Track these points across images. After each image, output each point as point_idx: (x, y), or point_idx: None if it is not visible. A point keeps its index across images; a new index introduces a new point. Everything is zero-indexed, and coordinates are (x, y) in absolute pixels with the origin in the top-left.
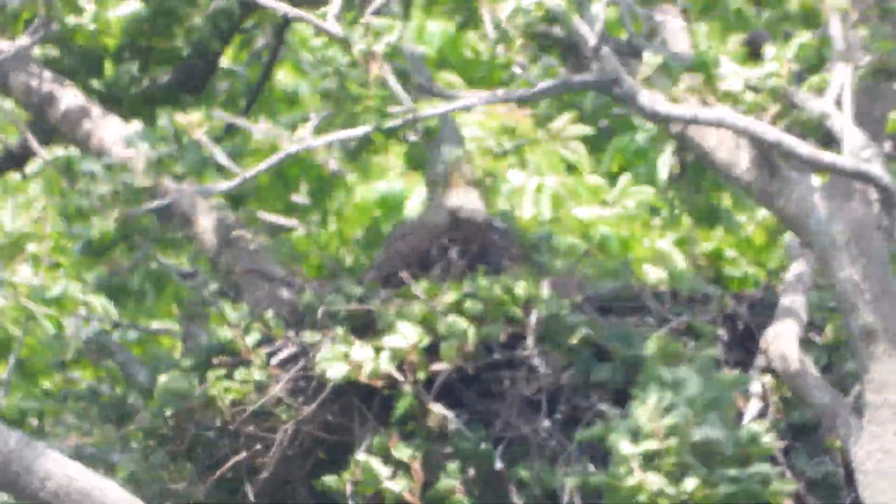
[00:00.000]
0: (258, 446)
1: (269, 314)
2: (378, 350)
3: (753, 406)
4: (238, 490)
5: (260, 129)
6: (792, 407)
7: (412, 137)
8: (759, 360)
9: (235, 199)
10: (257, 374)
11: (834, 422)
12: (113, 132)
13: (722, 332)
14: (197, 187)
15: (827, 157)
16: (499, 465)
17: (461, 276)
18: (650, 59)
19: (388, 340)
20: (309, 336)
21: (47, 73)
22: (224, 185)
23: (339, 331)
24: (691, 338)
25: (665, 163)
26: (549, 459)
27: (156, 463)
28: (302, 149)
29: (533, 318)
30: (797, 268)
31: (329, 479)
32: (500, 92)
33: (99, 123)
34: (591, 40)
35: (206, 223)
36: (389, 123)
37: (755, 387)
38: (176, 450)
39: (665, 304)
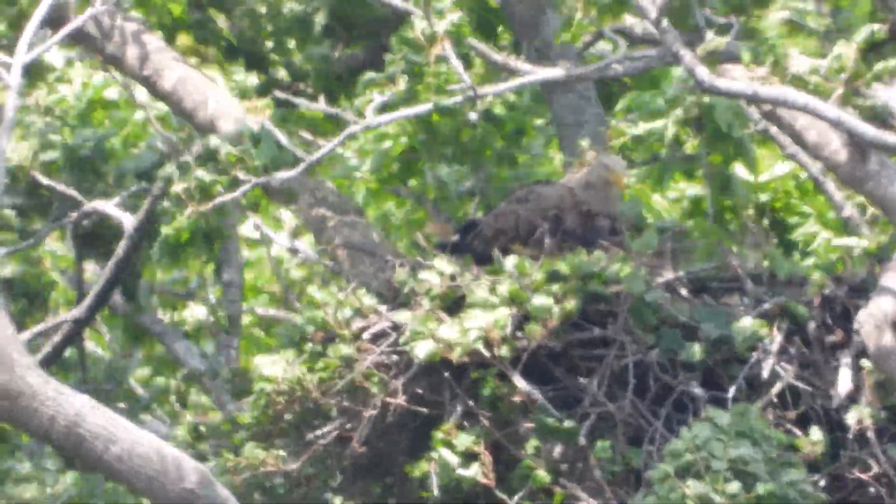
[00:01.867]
0: (350, 421)
1: (363, 290)
2: (465, 329)
3: (844, 386)
4: (333, 464)
5: (320, 107)
6: (886, 390)
7: (473, 116)
8: (856, 342)
9: None
10: (346, 350)
11: None
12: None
13: (818, 314)
14: (264, 178)
15: (892, 138)
16: (582, 441)
17: (553, 254)
18: (712, 39)
19: (475, 318)
20: (399, 313)
21: (158, 44)
22: (286, 173)
23: (428, 306)
24: (785, 320)
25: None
26: (634, 437)
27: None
28: (363, 128)
29: (623, 297)
30: None
31: (413, 468)
32: (564, 68)
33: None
34: (652, 13)
35: (308, 199)
36: (450, 100)
37: (846, 366)
38: (274, 432)
39: (762, 285)
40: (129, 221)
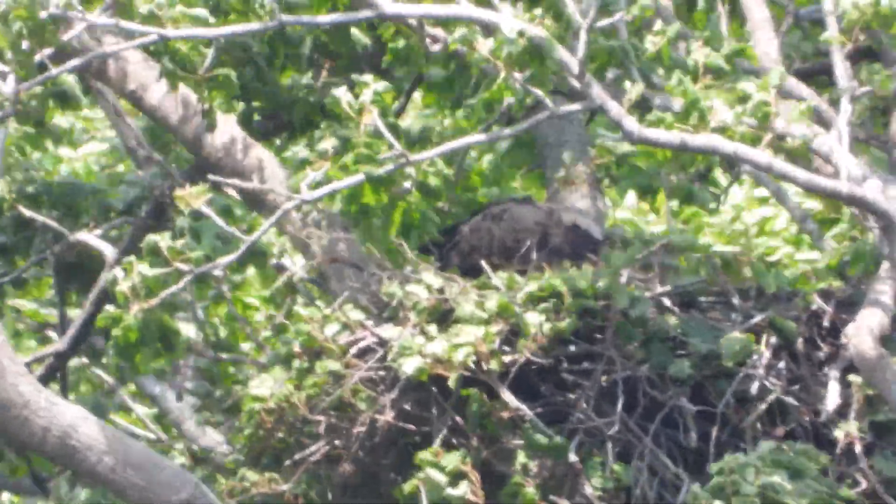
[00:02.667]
0: (338, 439)
1: (349, 305)
2: (454, 345)
3: (832, 401)
4: (323, 483)
5: (255, 186)
6: (876, 405)
7: (408, 186)
8: (844, 356)
9: None
10: (333, 365)
11: None
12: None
13: (805, 329)
14: (207, 266)
15: (823, 181)
16: (572, 457)
17: (541, 269)
18: (634, 88)
19: (464, 334)
20: (387, 327)
21: (141, 58)
22: (227, 258)
23: (416, 320)
24: (773, 334)
25: None
26: (623, 453)
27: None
28: (299, 203)
29: (611, 312)
30: (888, 262)
31: (402, 488)
32: (490, 132)
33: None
34: (575, 68)
35: (294, 215)
36: (382, 169)
37: (834, 381)
38: (265, 448)
39: (749, 300)
40: (111, 253)
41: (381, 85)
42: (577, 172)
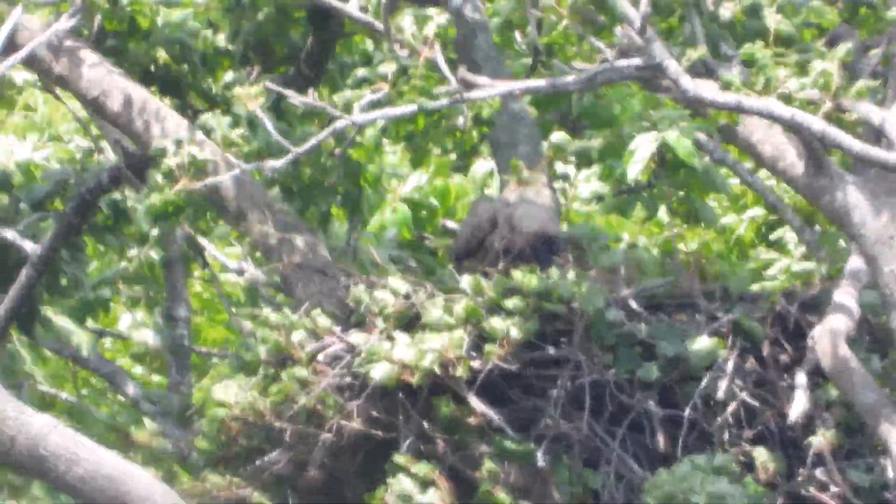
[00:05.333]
0: (304, 445)
1: (316, 311)
2: (422, 350)
3: (799, 404)
4: (287, 488)
5: (309, 101)
6: (842, 407)
7: (461, 121)
8: (810, 358)
9: (287, 191)
10: (301, 372)
11: (877, 421)
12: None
13: (771, 331)
14: (253, 164)
15: (876, 152)
16: (541, 463)
17: (507, 273)
18: (696, 50)
19: (431, 340)
20: (354, 334)
21: (105, 64)
22: (275, 162)
23: (383, 326)
24: (739, 336)
25: (638, 160)
26: (591, 458)
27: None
28: (349, 124)
29: (578, 315)
30: (853, 264)
31: (373, 494)
32: (548, 80)
33: (158, 117)
34: (637, 22)
35: (258, 217)
36: (436, 103)
37: (801, 384)
38: (228, 456)
39: (715, 302)
40: (32, 249)
41: (445, 18)
42: (532, 171)
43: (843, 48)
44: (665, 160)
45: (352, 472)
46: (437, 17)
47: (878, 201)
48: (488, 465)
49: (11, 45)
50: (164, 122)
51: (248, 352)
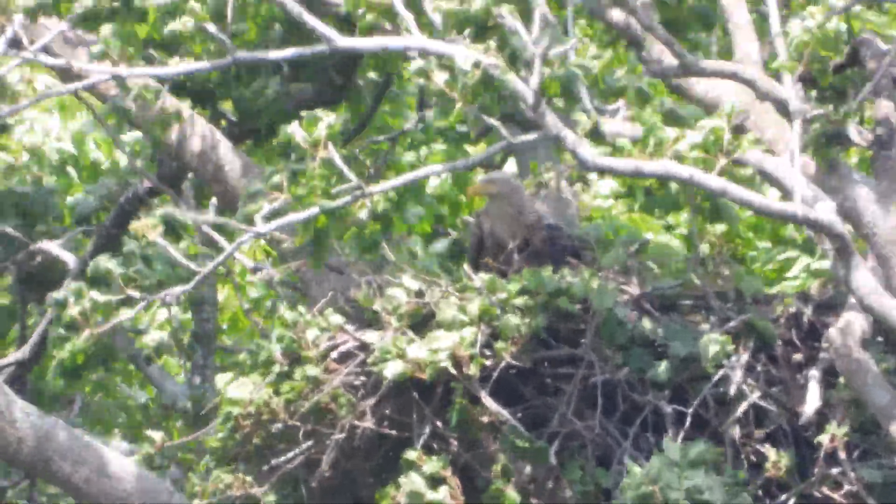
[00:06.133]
0: (317, 444)
1: (330, 310)
2: (434, 349)
3: (812, 404)
4: (299, 486)
5: (209, 219)
6: (855, 407)
7: (363, 217)
8: (824, 358)
9: None
10: (313, 371)
11: (890, 421)
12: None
13: (784, 332)
14: (157, 294)
15: (777, 205)
16: (552, 460)
17: (520, 272)
18: (587, 118)
19: (444, 338)
20: (368, 332)
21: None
22: (181, 287)
23: (396, 324)
24: (752, 337)
25: None
26: (603, 456)
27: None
28: (254, 236)
29: (591, 315)
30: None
31: (385, 491)
32: (452, 162)
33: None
34: (530, 98)
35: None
36: (338, 202)
37: (813, 383)
38: (240, 455)
39: (728, 303)
40: (72, 262)
41: (333, 118)
42: (551, 176)
43: (729, 104)
44: None
45: (365, 470)
46: (326, 118)
47: (889, 201)
48: (501, 462)
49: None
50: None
51: (263, 350)
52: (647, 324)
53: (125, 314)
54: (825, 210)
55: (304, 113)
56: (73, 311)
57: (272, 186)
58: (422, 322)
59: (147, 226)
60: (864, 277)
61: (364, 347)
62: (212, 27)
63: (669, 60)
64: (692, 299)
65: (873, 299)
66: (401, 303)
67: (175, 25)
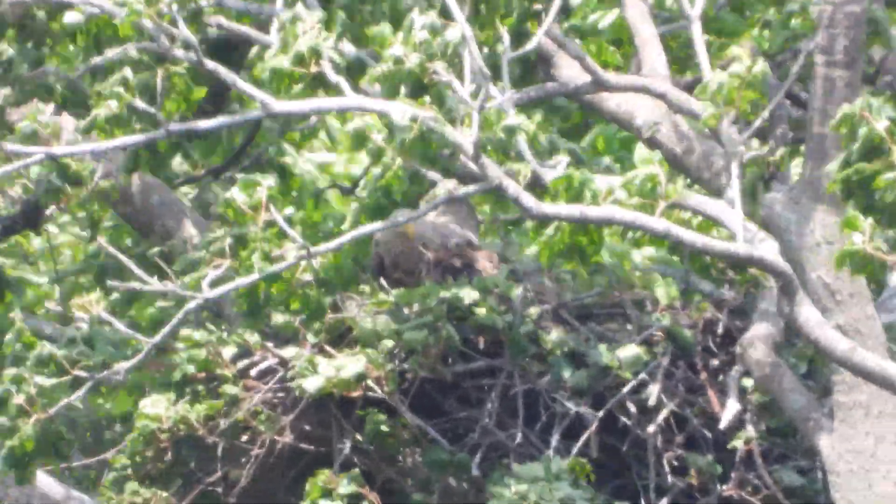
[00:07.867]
0: (235, 460)
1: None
2: (351, 364)
3: (731, 409)
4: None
5: (157, 288)
6: (771, 412)
7: (308, 278)
8: (739, 364)
9: None
10: (231, 389)
11: (807, 425)
12: None
13: (701, 338)
14: (105, 373)
15: (720, 245)
16: (475, 471)
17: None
18: (524, 167)
19: (360, 353)
20: (286, 348)
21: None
22: (125, 364)
23: (315, 340)
24: (670, 344)
25: None
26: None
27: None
28: (201, 302)
29: (509, 326)
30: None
31: None
32: (389, 219)
33: None
34: (470, 150)
35: (189, 230)
36: (283, 264)
37: (731, 389)
38: (155, 471)
39: (645, 310)
40: None
41: (272, 180)
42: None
43: (656, 154)
44: None
45: (283, 486)
46: (265, 181)
47: (803, 208)
48: (422, 476)
49: None
50: None
51: (176, 369)
52: (566, 333)
53: (73, 396)
54: (768, 249)
55: (238, 176)
56: (18, 399)
57: (214, 252)
58: (340, 337)
59: (91, 302)
60: (809, 312)
61: (283, 363)
62: (140, 103)
63: (581, 76)
64: (609, 308)
65: (819, 333)
66: (318, 319)
67: (102, 112)
